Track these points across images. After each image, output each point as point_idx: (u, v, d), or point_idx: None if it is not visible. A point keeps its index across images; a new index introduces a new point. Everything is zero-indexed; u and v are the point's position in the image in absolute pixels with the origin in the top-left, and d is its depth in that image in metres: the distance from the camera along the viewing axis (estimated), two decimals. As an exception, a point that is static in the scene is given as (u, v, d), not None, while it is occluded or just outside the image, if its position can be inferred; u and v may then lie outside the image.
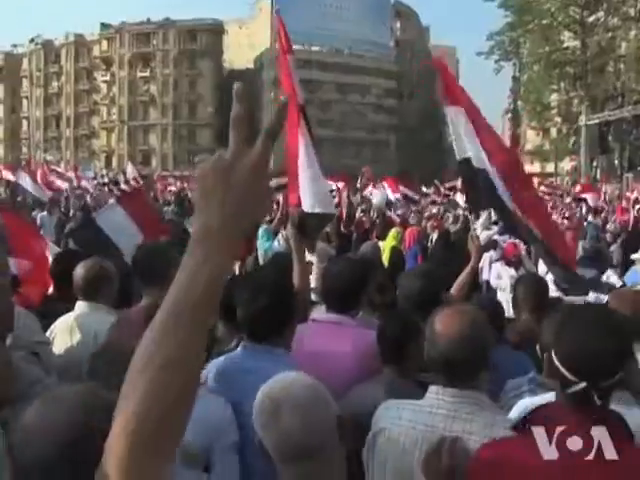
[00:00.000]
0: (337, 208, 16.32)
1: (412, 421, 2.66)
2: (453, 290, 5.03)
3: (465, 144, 6.20)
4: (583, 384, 2.07)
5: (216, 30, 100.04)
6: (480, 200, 6.59)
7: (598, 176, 43.60)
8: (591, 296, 5.36)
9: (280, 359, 3.11)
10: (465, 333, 2.57)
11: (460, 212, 16.40)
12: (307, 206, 6.57)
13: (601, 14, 52.15)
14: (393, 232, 11.92)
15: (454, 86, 6.51)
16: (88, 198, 23.48)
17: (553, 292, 8.17)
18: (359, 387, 3.42)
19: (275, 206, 10.33)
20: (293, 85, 7.06)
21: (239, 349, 3.30)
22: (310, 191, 6.65)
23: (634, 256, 9.20)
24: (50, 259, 5.74)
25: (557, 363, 2.13)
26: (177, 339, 1.15)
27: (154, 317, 1.17)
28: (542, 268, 9.76)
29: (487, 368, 2.64)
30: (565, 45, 54.09)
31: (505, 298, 7.91)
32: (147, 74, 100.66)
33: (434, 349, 2.63)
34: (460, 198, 19.29)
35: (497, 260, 11.42)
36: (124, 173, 34.50)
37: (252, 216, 1.23)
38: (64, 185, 27.17)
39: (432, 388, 2.68)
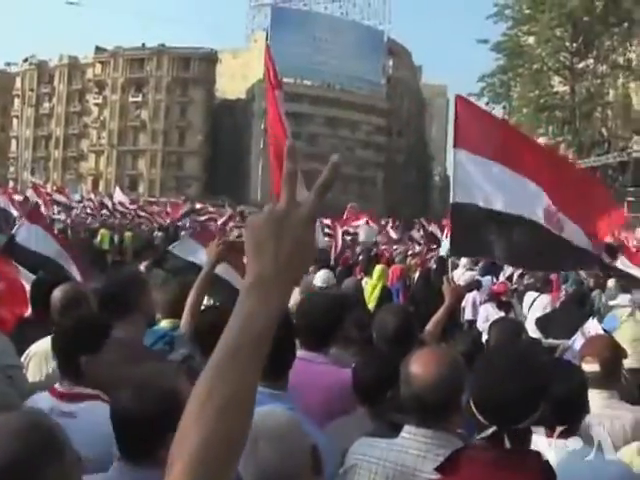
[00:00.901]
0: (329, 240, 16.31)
1: (382, 459, 2.67)
2: (428, 328, 5.06)
3: (475, 190, 6.19)
4: (492, 429, 2.12)
5: (210, 59, 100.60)
6: (467, 246, 6.59)
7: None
8: (573, 339, 5.37)
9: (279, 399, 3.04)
10: (439, 375, 2.59)
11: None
12: None
13: (590, 61, 52.76)
14: (379, 269, 11.94)
15: (474, 132, 6.39)
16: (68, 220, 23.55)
17: (533, 333, 8.24)
18: (331, 425, 3.41)
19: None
20: (281, 121, 7.05)
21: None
22: None
23: (612, 302, 9.26)
24: (24, 283, 5.69)
25: (473, 408, 2.19)
26: (233, 383, 1.19)
27: (208, 362, 1.22)
28: (530, 314, 9.82)
29: (460, 410, 2.64)
30: (554, 90, 54.62)
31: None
32: (139, 99, 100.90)
33: (408, 390, 2.65)
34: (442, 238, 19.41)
35: (487, 301, 11.45)
36: (111, 197, 34.52)
37: (302, 266, 1.29)
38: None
39: (406, 427, 2.69)
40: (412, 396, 2.63)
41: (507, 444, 2.11)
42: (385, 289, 11.43)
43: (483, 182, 6.20)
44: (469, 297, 12.14)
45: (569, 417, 2.91)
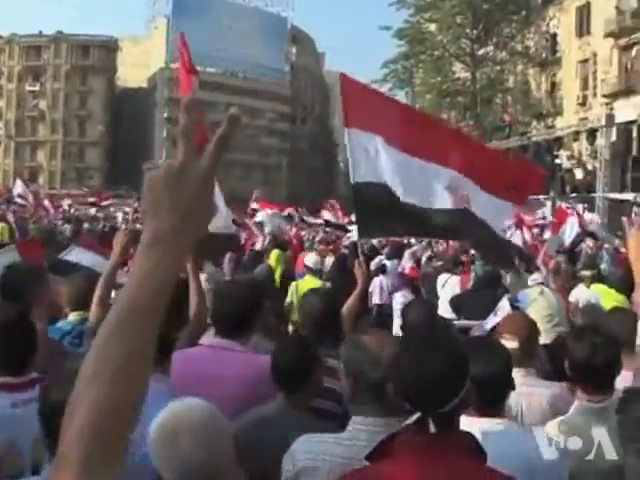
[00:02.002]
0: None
1: (333, 455, 2.58)
2: (344, 311, 4.96)
3: (366, 168, 6.07)
4: (417, 415, 2.04)
5: (110, 47, 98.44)
6: (374, 226, 6.48)
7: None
8: (487, 320, 5.35)
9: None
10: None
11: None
12: (210, 227, 6.34)
13: (491, 48, 54.03)
14: (274, 255, 11.85)
15: (363, 110, 6.25)
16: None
17: (445, 314, 8.25)
18: (249, 413, 3.28)
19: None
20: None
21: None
22: None
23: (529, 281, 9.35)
24: None
25: (395, 397, 2.13)
26: (126, 344, 1.13)
27: (103, 322, 1.17)
28: (443, 295, 9.89)
29: None
30: (456, 76, 55.69)
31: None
32: (37, 88, 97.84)
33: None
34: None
35: (399, 288, 11.52)
36: (9, 190, 33.48)
37: (201, 224, 1.23)
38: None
39: (355, 419, 2.62)
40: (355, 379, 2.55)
41: (432, 429, 2.03)
42: (284, 275, 11.34)
43: (380, 159, 6.11)
44: (376, 281, 12.22)
45: (496, 395, 2.83)
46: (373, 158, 6.07)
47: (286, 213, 22.52)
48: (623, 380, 3.35)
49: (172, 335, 3.13)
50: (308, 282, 9.14)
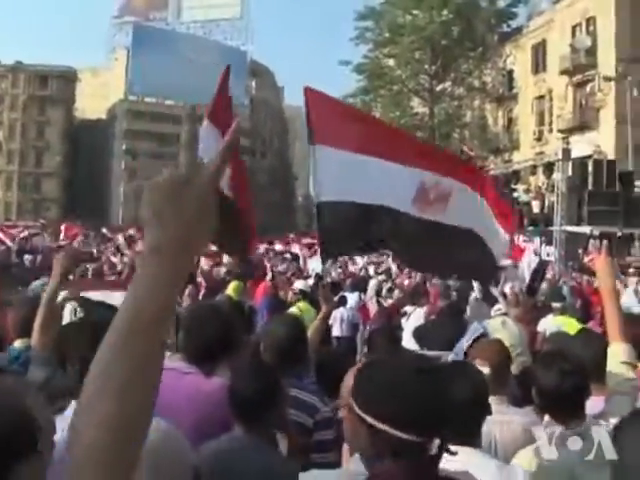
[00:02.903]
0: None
1: None
2: (309, 337, 4.88)
3: (331, 187, 5.97)
4: (437, 441, 1.88)
5: (68, 77, 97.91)
6: (338, 244, 6.38)
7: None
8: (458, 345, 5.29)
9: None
10: None
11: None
12: None
13: (448, 83, 54.75)
14: (232, 285, 11.74)
15: (329, 123, 6.13)
16: None
17: (408, 344, 8.19)
18: (207, 445, 3.11)
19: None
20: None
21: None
22: None
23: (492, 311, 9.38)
24: None
25: (382, 426, 1.89)
26: (133, 361, 1.10)
27: (102, 343, 1.12)
28: (407, 327, 9.83)
29: None
30: (415, 111, 56.30)
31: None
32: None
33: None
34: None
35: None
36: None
37: (204, 234, 1.20)
38: None
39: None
40: None
41: (434, 451, 1.88)
42: (239, 304, 11.28)
43: (347, 174, 5.99)
44: (337, 313, 12.13)
45: (473, 421, 2.77)
46: (339, 175, 5.97)
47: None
48: (594, 406, 3.32)
49: None
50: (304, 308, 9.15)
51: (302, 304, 9.54)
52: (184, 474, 1.97)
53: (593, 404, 3.30)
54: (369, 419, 1.90)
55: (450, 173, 6.33)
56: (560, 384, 3.14)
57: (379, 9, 54.87)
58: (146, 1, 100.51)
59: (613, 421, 2.57)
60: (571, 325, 8.65)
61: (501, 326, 7.28)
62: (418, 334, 8.14)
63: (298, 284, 11.91)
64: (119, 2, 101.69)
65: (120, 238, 20.60)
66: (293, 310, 8.82)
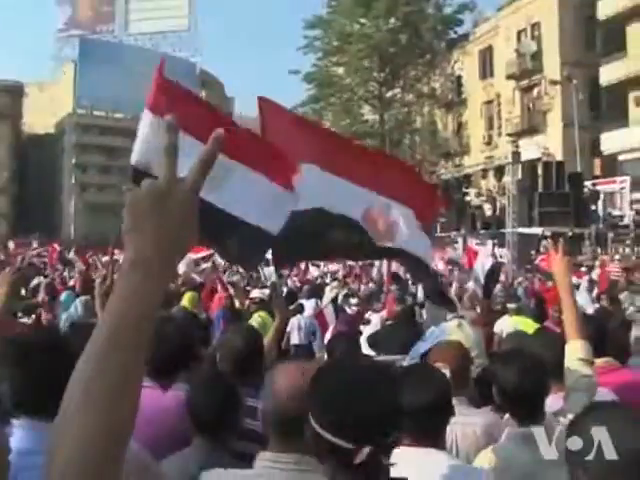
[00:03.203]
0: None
1: None
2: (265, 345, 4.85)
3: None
4: (367, 449, 1.88)
5: (15, 92, 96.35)
6: (291, 252, 6.35)
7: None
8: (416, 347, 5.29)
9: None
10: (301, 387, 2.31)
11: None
12: None
13: (398, 90, 55.12)
14: (187, 296, 11.67)
15: (279, 135, 6.04)
16: None
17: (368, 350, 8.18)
18: (168, 460, 3.07)
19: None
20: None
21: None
22: None
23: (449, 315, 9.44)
24: None
25: (322, 432, 1.94)
26: (114, 373, 1.08)
27: (82, 355, 1.11)
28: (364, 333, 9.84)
29: None
30: (365, 118, 56.55)
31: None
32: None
33: (269, 405, 2.42)
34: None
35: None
36: None
37: (184, 244, 1.20)
38: None
39: (261, 454, 2.41)
40: (273, 410, 2.38)
41: (384, 460, 1.90)
42: (195, 315, 11.22)
43: (296, 185, 6.00)
44: (294, 321, 12.09)
45: (435, 423, 2.75)
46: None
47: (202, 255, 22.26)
48: (553, 404, 3.33)
49: None
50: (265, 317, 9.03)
51: (262, 313, 9.46)
52: None
53: (552, 402, 3.31)
54: (312, 421, 1.97)
55: (394, 194, 6.33)
56: (520, 382, 3.15)
57: (327, 18, 55.11)
58: (92, 14, 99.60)
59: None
60: (527, 325, 8.75)
61: (457, 329, 7.32)
62: (372, 340, 8.14)
63: (255, 293, 11.91)
64: (65, 15, 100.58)
65: (72, 253, 20.33)
66: (254, 319, 8.72)
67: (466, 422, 3.48)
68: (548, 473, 2.85)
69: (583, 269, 19.87)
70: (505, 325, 9.45)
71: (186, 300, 11.34)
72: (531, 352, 3.61)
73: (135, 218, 1.16)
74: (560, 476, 2.62)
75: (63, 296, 9.72)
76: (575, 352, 3.48)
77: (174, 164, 1.18)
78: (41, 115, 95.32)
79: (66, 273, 17.78)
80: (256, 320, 8.79)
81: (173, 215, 1.15)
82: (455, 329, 7.81)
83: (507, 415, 3.39)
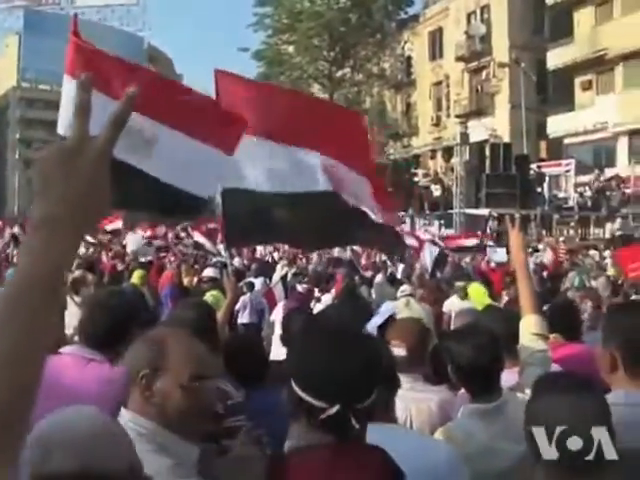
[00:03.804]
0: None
1: None
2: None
3: (241, 173, 5.97)
4: (336, 408, 1.84)
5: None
6: (242, 233, 6.33)
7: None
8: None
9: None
10: None
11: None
12: None
13: (348, 70, 55.00)
14: (136, 274, 11.61)
15: (236, 110, 5.97)
16: None
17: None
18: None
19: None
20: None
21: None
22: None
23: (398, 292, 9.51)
24: None
25: (300, 392, 1.92)
26: (13, 337, 1.04)
27: None
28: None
29: None
30: (315, 97, 56.36)
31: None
32: None
33: None
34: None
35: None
36: None
37: (95, 207, 1.16)
38: None
39: None
40: None
41: (354, 423, 1.84)
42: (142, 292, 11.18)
43: (251, 163, 6.05)
44: (243, 299, 12.08)
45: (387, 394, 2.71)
46: (244, 162, 5.96)
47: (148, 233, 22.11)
48: (508, 379, 3.34)
49: None
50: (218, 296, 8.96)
51: (215, 292, 9.40)
52: (118, 469, 1.67)
53: (507, 377, 3.32)
54: (292, 382, 1.95)
55: (341, 155, 6.37)
56: (476, 357, 3.13)
57: (277, -5, 54.75)
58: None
59: (529, 392, 2.56)
60: (478, 292, 8.88)
61: (405, 307, 7.35)
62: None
63: (208, 271, 11.94)
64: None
65: (16, 228, 19.83)
66: (207, 298, 8.66)
67: (421, 398, 3.47)
68: (507, 448, 2.86)
69: (529, 250, 20.16)
70: (454, 305, 9.53)
71: (136, 277, 11.25)
72: (484, 327, 3.62)
73: (44, 177, 1.13)
74: (517, 450, 2.64)
75: (8, 273, 9.55)
76: (530, 327, 3.50)
77: (85, 122, 1.15)
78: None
79: (10, 250, 17.39)
80: (209, 299, 8.73)
81: (83, 173, 1.12)
82: (403, 307, 7.86)
83: (462, 391, 3.38)
